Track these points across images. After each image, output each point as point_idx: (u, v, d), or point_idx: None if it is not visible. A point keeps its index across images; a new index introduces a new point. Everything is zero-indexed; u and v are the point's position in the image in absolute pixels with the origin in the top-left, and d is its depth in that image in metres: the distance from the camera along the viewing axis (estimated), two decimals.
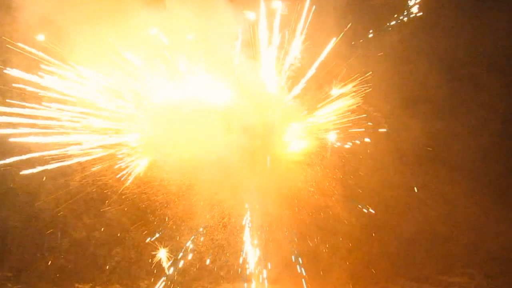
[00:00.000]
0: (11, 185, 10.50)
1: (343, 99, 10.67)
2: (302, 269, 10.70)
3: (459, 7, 11.47)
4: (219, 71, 10.46)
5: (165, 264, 10.69)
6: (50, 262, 10.74)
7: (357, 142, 10.88)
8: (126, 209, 10.76)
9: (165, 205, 10.77)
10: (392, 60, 10.90)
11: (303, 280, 10.67)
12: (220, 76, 10.52)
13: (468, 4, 11.55)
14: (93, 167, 10.06)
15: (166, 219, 10.85)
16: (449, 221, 11.32)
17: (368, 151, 10.98)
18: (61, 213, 10.58)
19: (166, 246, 10.74)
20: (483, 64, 11.78)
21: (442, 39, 11.59)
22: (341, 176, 10.98)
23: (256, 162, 10.73)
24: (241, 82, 10.53)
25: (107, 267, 10.98)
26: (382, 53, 10.92)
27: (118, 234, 10.99)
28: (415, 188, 11.38)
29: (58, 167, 9.80)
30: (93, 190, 10.54)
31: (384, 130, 11.00)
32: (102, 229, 10.92)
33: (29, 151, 9.59)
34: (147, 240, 10.79)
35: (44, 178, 10.13)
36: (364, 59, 10.80)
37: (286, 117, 10.82)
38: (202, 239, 10.94)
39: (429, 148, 11.38)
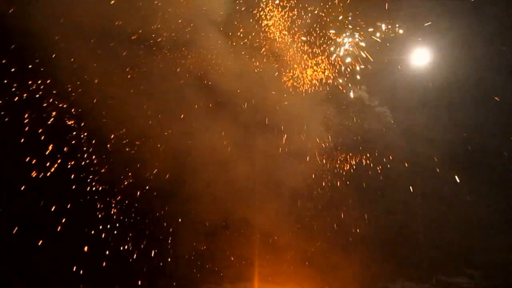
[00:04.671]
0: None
1: None
2: (304, 268, 10.70)
3: None
4: None
5: None
6: (49, 262, 10.60)
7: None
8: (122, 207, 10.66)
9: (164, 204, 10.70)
10: None
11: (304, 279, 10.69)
12: None
13: None
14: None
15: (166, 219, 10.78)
16: (448, 222, 11.39)
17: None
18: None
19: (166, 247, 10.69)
20: None
21: None
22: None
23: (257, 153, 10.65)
24: None
25: (107, 267, 10.89)
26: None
27: (116, 233, 10.87)
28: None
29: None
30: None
31: None
32: (100, 227, 10.81)
33: None
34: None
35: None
36: None
37: None
38: (203, 239, 10.90)
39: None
